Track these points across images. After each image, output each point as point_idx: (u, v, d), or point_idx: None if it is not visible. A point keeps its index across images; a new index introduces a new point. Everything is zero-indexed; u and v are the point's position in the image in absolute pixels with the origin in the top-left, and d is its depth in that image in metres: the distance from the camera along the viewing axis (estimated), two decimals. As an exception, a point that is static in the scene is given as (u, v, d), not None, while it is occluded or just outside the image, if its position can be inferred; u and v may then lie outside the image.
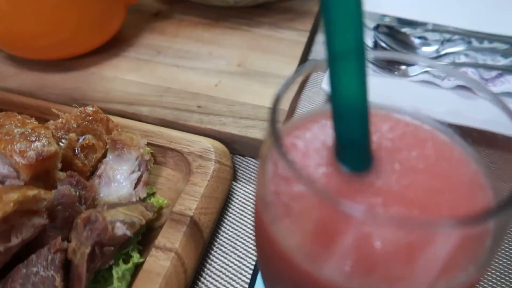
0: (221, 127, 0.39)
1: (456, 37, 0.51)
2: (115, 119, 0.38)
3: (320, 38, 0.55)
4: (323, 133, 0.21)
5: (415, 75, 0.46)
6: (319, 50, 0.53)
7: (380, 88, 0.42)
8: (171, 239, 0.30)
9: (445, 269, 0.16)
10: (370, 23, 0.53)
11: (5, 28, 0.42)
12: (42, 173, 0.28)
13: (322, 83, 0.42)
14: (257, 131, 0.38)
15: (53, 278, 0.25)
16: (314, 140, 0.20)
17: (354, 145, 0.19)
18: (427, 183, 0.18)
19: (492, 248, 0.16)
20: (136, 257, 0.29)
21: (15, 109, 0.40)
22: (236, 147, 0.39)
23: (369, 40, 0.51)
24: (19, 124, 0.30)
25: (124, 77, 0.44)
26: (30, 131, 0.29)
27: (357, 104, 0.18)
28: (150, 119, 0.40)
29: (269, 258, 0.20)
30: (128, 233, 0.27)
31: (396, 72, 0.47)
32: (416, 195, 0.18)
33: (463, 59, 0.48)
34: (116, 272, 0.27)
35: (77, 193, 0.29)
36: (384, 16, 0.52)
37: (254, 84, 0.43)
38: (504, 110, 0.18)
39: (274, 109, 0.18)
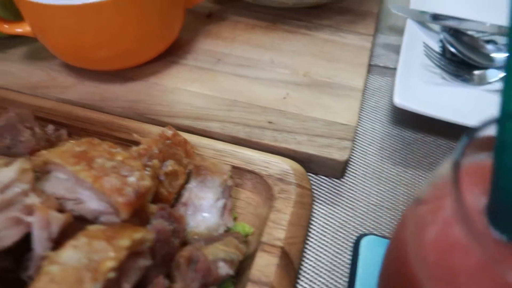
0: (297, 146, 0.37)
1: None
2: (184, 135, 0.37)
3: (380, 40, 0.53)
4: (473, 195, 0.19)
5: (494, 81, 0.44)
6: (381, 54, 0.51)
7: (457, 100, 0.41)
8: (265, 273, 0.29)
9: None
10: (434, 26, 0.50)
11: (64, 40, 0.40)
12: (138, 208, 0.27)
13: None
14: (334, 151, 0.37)
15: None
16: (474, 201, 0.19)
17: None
18: None
19: None
20: (231, 290, 0.28)
21: (80, 124, 0.40)
22: (311, 166, 0.38)
23: (435, 45, 0.49)
24: (107, 156, 0.28)
25: (187, 88, 0.43)
26: (121, 163, 0.28)
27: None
28: (221, 136, 0.39)
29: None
30: (231, 272, 0.27)
31: (471, 80, 0.45)
32: None
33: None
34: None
35: (171, 226, 0.28)
36: (439, 16, 0.50)
37: (323, 96, 0.42)
38: None
39: (455, 180, 0.16)
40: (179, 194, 0.33)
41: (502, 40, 0.49)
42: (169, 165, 0.32)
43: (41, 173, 0.29)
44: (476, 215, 0.18)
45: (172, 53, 0.46)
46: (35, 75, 0.45)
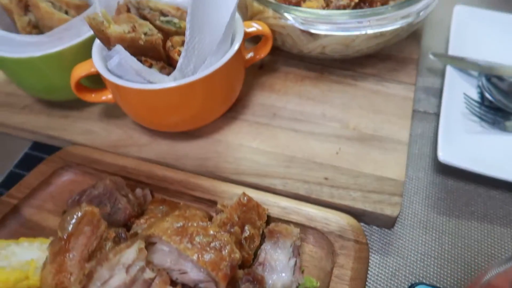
0: (352, 203, 0.42)
1: None
2: (251, 191, 0.42)
3: (419, 83, 0.56)
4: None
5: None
6: (421, 98, 0.55)
7: (495, 150, 0.44)
8: (334, 325, 0.35)
9: None
10: (473, 73, 0.54)
11: (142, 111, 0.46)
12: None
13: None
14: (385, 206, 0.42)
15: None
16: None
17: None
18: None
19: None
20: None
21: (160, 183, 0.46)
22: (365, 218, 0.43)
23: (474, 91, 0.52)
24: (202, 231, 0.34)
25: (249, 145, 0.48)
26: (213, 238, 0.34)
27: None
28: (284, 192, 0.44)
29: None
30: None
31: (508, 127, 0.48)
32: None
33: None
34: None
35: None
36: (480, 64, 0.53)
37: (373, 150, 0.46)
38: None
39: None
40: (255, 254, 0.38)
41: (539, 85, 0.52)
42: (247, 230, 0.38)
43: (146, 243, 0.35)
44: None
45: (232, 109, 0.52)
46: (114, 133, 0.51)
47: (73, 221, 0.34)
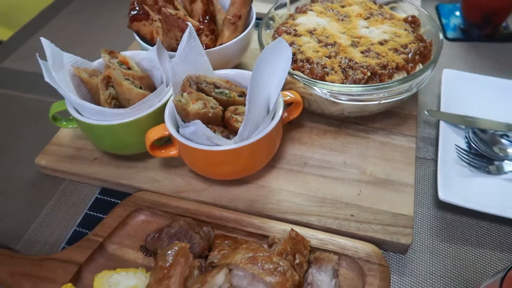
0: (374, 234, 0.54)
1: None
2: (293, 227, 0.54)
3: (418, 134, 0.69)
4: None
5: (509, 171, 0.60)
6: (421, 147, 0.68)
7: (483, 189, 0.57)
8: (369, 330, 0.46)
9: None
10: (462, 126, 0.67)
11: (202, 164, 0.58)
12: (292, 294, 0.44)
13: None
14: (400, 237, 0.54)
15: None
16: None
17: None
18: None
19: None
20: None
21: (219, 222, 0.57)
22: (385, 247, 0.55)
23: (462, 141, 0.65)
24: (268, 259, 0.45)
25: (287, 189, 0.60)
26: (277, 264, 0.45)
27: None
28: (319, 227, 0.56)
29: None
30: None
31: (492, 171, 0.61)
32: None
33: (541, 158, 0.62)
34: None
35: (309, 303, 0.45)
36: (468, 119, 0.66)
37: (387, 192, 0.59)
38: None
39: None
40: (304, 277, 0.50)
41: (513, 136, 0.65)
42: (298, 258, 0.49)
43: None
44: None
45: (271, 159, 0.63)
46: (175, 181, 0.63)
47: (171, 254, 0.46)
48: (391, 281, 0.53)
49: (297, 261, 0.49)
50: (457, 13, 0.92)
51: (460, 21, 0.90)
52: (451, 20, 0.91)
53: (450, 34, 0.88)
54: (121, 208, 0.60)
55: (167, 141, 0.64)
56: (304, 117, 0.70)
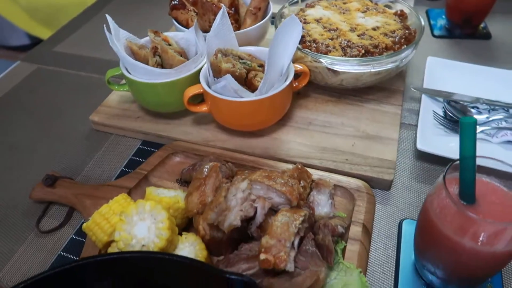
0: (364, 172, 0.68)
1: (498, 107, 0.79)
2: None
3: (405, 106, 0.84)
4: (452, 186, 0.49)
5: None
6: (407, 115, 0.82)
7: (452, 144, 0.71)
8: (356, 235, 0.59)
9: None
10: (439, 99, 0.81)
11: (228, 116, 0.73)
12: (298, 202, 0.58)
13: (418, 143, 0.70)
14: (385, 175, 0.67)
15: (315, 251, 0.55)
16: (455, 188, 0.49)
17: (467, 190, 0.47)
18: (501, 208, 0.47)
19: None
20: (342, 244, 0.58)
21: (240, 162, 0.71)
22: (372, 183, 0.68)
23: (440, 111, 0.79)
24: (280, 176, 0.59)
25: (295, 141, 0.74)
26: (287, 179, 0.59)
27: (471, 172, 0.46)
28: (320, 168, 0.70)
29: (431, 236, 0.49)
30: (343, 231, 0.57)
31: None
32: (495, 213, 0.46)
33: (504, 124, 0.76)
34: (338, 247, 0.56)
35: (310, 212, 0.59)
36: (448, 93, 0.81)
37: (376, 144, 0.73)
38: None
39: (444, 183, 0.46)
40: (306, 198, 0.63)
41: (481, 106, 0.79)
42: (302, 182, 0.63)
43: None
44: (454, 195, 0.48)
45: (282, 119, 0.78)
46: (204, 134, 0.77)
47: (206, 169, 0.60)
48: (377, 209, 0.66)
49: (301, 184, 0.63)
50: (444, 16, 1.07)
51: (445, 22, 1.05)
52: (438, 21, 1.06)
53: (437, 32, 1.03)
54: (162, 151, 0.74)
55: (200, 101, 0.78)
56: (310, 89, 0.85)
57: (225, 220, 0.53)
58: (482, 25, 1.03)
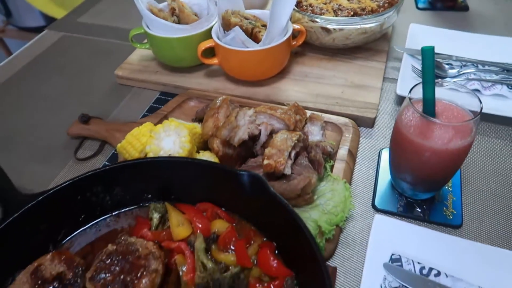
0: (351, 112, 0.80)
1: (469, 63, 0.91)
2: (296, 109, 0.80)
3: (389, 64, 0.96)
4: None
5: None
6: (390, 72, 0.94)
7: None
8: (344, 157, 0.72)
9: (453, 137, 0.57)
10: (418, 57, 0.94)
11: (235, 66, 0.85)
12: (294, 127, 0.70)
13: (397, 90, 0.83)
14: (369, 114, 0.80)
15: (308, 164, 0.67)
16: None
17: (429, 105, 0.60)
18: (455, 120, 0.59)
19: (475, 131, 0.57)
20: (331, 162, 0.70)
21: (245, 105, 0.83)
22: (358, 121, 0.81)
23: (419, 66, 0.92)
24: (282, 110, 0.72)
25: (293, 89, 0.87)
26: (287, 111, 0.71)
27: (431, 91, 0.58)
28: (314, 109, 0.82)
29: (399, 144, 0.61)
30: (332, 150, 0.69)
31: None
32: (444, 119, 0.58)
33: (473, 76, 0.88)
34: (327, 164, 0.69)
35: (305, 137, 0.71)
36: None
37: (362, 91, 0.85)
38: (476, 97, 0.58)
39: (410, 101, 0.59)
40: (303, 128, 0.76)
41: (454, 63, 0.91)
42: (298, 116, 0.75)
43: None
44: (420, 110, 0.61)
45: (281, 73, 0.90)
46: (214, 84, 0.90)
47: (219, 100, 0.72)
48: (361, 142, 0.79)
49: (297, 117, 0.75)
50: (428, -9, 1.20)
51: (428, -4, 1.18)
52: (422, -2, 1.19)
53: (421, 5, 1.16)
54: (179, 97, 0.87)
55: (212, 56, 0.91)
56: (306, 49, 0.97)
57: (235, 135, 0.65)
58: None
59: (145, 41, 0.94)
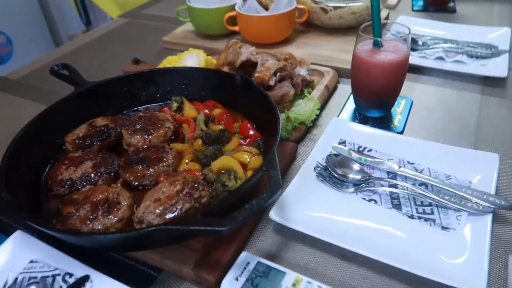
0: (335, 65, 1.03)
1: (441, 41, 1.11)
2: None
3: (377, 43, 1.19)
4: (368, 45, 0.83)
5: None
6: (376, 47, 1.17)
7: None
8: (320, 88, 0.94)
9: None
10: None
11: (252, 31, 1.12)
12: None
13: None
14: (348, 66, 1.02)
15: (289, 85, 0.90)
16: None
17: (376, 34, 0.81)
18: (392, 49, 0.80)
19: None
20: (310, 90, 0.93)
21: (255, 59, 1.09)
22: (340, 73, 1.03)
23: (399, 42, 1.14)
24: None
25: (293, 51, 1.11)
26: (278, 56, 0.96)
27: (377, 21, 0.80)
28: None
29: (357, 68, 0.83)
30: (311, 79, 0.92)
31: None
32: (389, 52, 0.80)
33: (441, 49, 1.08)
34: (306, 90, 0.92)
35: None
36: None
37: (347, 54, 1.08)
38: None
39: (360, 37, 0.82)
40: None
41: (429, 41, 1.12)
42: (290, 60, 0.99)
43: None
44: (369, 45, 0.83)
45: (287, 41, 1.16)
46: (235, 46, 1.17)
47: (230, 42, 0.98)
48: (340, 87, 1.01)
49: (290, 61, 0.99)
50: (423, -2, 1.43)
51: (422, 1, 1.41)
52: (417, 2, 1.42)
53: (416, 8, 1.39)
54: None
55: (235, 25, 1.18)
56: (309, 28, 1.23)
57: (238, 58, 0.91)
58: (451, 4, 1.37)
59: (187, 16, 1.25)
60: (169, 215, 0.57)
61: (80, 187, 0.66)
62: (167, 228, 0.50)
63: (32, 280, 0.54)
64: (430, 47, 1.09)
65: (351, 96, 0.96)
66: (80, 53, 1.29)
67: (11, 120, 0.97)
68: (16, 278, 0.55)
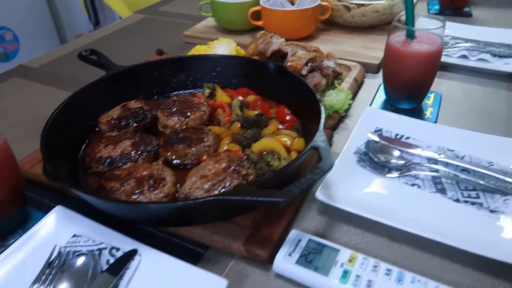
0: (361, 60, 1.04)
1: (462, 41, 1.13)
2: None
3: (398, 42, 1.20)
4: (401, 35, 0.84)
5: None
6: (397, 46, 1.18)
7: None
8: (349, 80, 0.94)
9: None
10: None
11: (276, 25, 1.13)
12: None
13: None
14: (374, 61, 1.03)
15: (320, 76, 0.90)
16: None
17: (409, 23, 0.82)
18: (426, 41, 0.81)
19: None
20: (340, 81, 0.93)
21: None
22: (365, 67, 1.04)
23: (421, 41, 1.15)
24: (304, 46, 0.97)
25: (320, 46, 1.12)
26: (307, 48, 0.96)
27: (411, 13, 0.81)
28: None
29: (390, 59, 0.83)
30: (341, 71, 0.92)
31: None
32: (423, 44, 0.81)
33: (463, 48, 1.10)
34: (337, 82, 0.92)
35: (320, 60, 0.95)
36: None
37: (371, 51, 1.09)
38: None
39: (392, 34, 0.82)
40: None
41: (451, 41, 1.14)
42: (317, 54, 1.00)
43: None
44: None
45: (310, 38, 1.17)
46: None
47: (259, 34, 0.99)
48: (366, 81, 1.01)
49: (317, 54, 0.99)
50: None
51: (438, 5, 1.43)
52: (433, 6, 1.44)
53: (432, 11, 1.41)
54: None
55: (259, 20, 1.19)
56: (331, 27, 1.24)
57: (269, 48, 0.91)
58: (466, 8, 1.39)
59: (209, 11, 1.25)
60: (217, 191, 0.56)
61: (120, 164, 0.65)
62: (225, 199, 0.49)
63: (78, 253, 0.53)
64: (452, 46, 1.11)
65: (380, 89, 0.96)
66: (99, 46, 1.28)
67: (37, 106, 0.95)
68: (60, 252, 0.53)
